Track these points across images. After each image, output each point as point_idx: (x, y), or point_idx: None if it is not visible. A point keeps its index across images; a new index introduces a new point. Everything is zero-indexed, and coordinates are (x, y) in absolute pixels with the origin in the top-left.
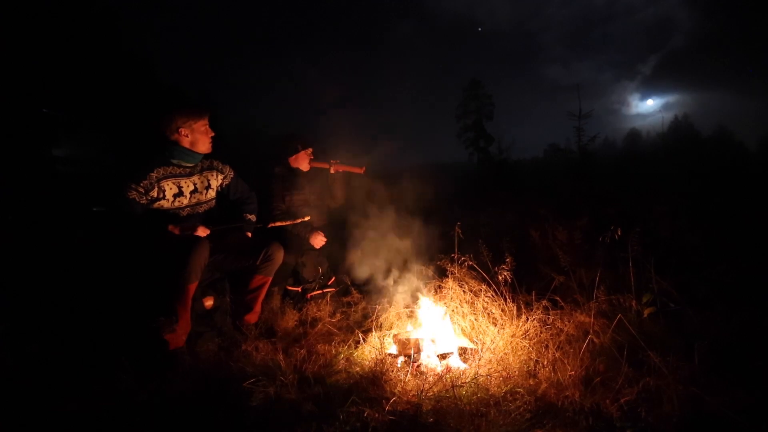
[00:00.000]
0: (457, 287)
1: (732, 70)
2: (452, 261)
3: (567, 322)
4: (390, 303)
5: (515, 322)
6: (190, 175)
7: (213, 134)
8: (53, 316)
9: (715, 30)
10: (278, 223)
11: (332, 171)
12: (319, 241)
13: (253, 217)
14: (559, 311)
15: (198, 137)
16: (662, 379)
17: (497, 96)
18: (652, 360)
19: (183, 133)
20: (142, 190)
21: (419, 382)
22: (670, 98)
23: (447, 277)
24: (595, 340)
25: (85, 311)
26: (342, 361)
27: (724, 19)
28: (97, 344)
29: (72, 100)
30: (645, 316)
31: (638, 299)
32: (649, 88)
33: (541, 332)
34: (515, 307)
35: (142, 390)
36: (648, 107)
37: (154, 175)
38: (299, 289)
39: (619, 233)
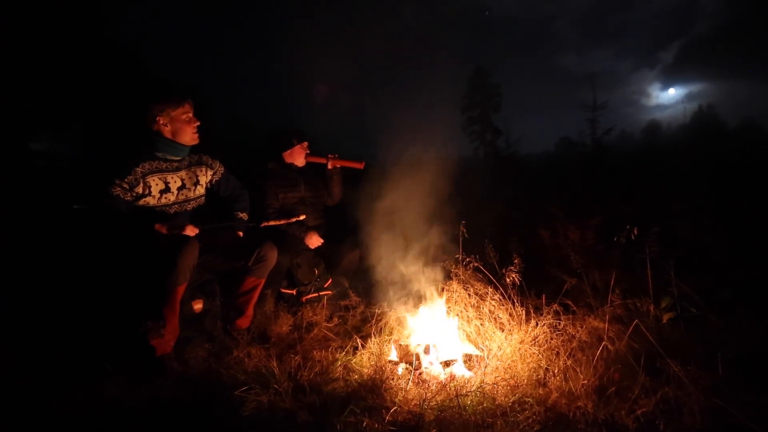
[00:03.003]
0: (462, 290)
1: (762, 57)
2: (457, 262)
3: (579, 328)
4: (390, 307)
5: (524, 327)
6: (177, 170)
7: (198, 123)
8: (36, 320)
9: (743, 13)
10: (272, 222)
11: (330, 166)
12: (314, 241)
13: (245, 216)
14: (570, 316)
15: (179, 126)
16: (682, 390)
17: (505, 86)
18: (671, 369)
19: (161, 122)
20: (126, 186)
21: (421, 390)
22: (693, 88)
23: (451, 279)
24: (609, 347)
25: (69, 315)
26: (339, 369)
27: (754, 1)
28: (83, 349)
29: (51, 90)
30: (664, 321)
31: (656, 303)
32: (671, 77)
33: (551, 338)
34: (524, 311)
35: (130, 397)
36: (669, 97)
37: (139, 169)
38: (294, 291)
39: (636, 233)
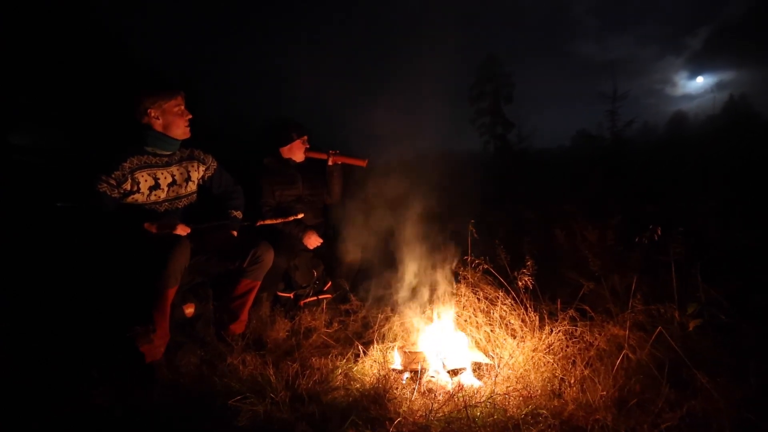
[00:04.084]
0: (471, 294)
1: None
2: (465, 264)
3: (597, 335)
4: (394, 311)
5: (537, 334)
6: (167, 165)
7: (190, 117)
8: (19, 324)
9: None
10: (268, 221)
11: (330, 163)
12: (313, 241)
13: (239, 214)
14: (588, 322)
15: (171, 120)
16: (710, 403)
17: (518, 75)
18: (698, 380)
19: (153, 115)
20: (113, 182)
21: (427, 401)
22: (724, 76)
23: (459, 282)
24: (630, 355)
25: (53, 319)
26: (340, 377)
27: None
28: (69, 355)
29: (33, 81)
30: (690, 329)
31: (682, 310)
32: (699, 64)
33: (567, 346)
34: (537, 317)
35: (117, 406)
36: (697, 86)
37: (127, 165)
38: (291, 295)
39: (659, 233)
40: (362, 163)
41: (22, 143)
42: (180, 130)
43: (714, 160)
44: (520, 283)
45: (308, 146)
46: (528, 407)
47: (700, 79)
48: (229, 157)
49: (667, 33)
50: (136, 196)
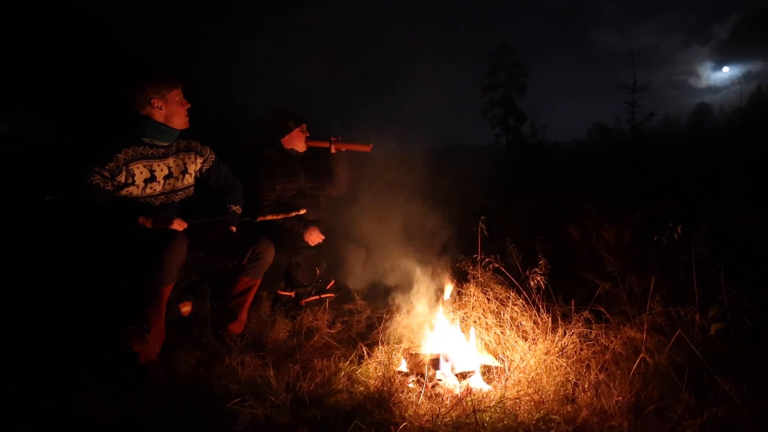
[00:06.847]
0: (480, 294)
1: None
2: (474, 263)
3: (613, 338)
4: (400, 311)
5: (550, 336)
6: (164, 157)
7: (189, 106)
8: (4, 324)
9: None
10: (268, 217)
11: (333, 150)
12: (315, 237)
13: (238, 209)
14: (603, 325)
15: (173, 109)
16: (733, 411)
17: (531, 65)
18: (720, 386)
19: (156, 105)
20: (107, 174)
21: (434, 405)
22: (752, 66)
23: (468, 281)
24: (648, 360)
25: (42, 318)
26: (343, 379)
27: None
28: (58, 356)
29: (16, 66)
30: (711, 332)
31: (703, 312)
32: (726, 54)
33: (581, 349)
34: (550, 318)
35: (110, 410)
36: (723, 77)
37: (121, 156)
38: (292, 294)
39: (680, 232)
40: (366, 149)
41: (7, 133)
42: (181, 120)
43: (739, 156)
44: (532, 283)
45: (308, 134)
46: (540, 412)
47: (726, 70)
48: (227, 148)
49: (692, 21)
50: (131, 188)
